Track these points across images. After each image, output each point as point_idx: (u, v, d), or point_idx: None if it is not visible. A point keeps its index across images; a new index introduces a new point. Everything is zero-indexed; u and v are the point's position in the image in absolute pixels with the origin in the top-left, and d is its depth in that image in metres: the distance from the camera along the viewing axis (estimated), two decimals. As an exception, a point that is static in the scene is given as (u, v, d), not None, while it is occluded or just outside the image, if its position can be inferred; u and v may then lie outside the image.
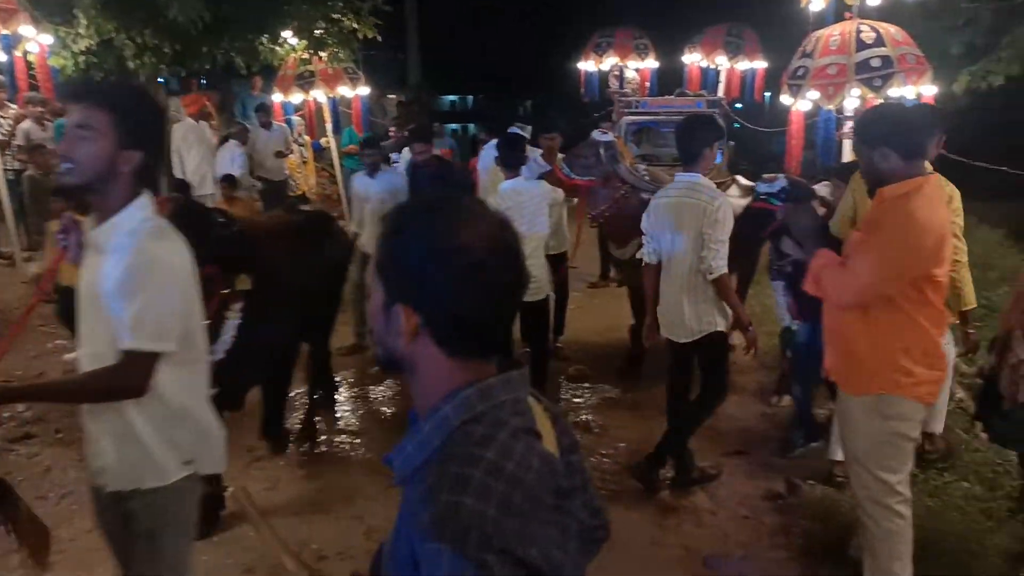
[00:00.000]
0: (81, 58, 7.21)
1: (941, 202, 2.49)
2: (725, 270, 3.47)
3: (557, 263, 5.74)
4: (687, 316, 3.61)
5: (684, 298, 3.59)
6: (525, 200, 4.53)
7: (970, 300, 3.40)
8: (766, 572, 3.20)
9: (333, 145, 9.04)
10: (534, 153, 6.15)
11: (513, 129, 6.33)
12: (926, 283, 2.42)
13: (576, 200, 5.59)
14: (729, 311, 3.63)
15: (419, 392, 1.07)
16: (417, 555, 0.93)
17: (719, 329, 3.61)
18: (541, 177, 5.03)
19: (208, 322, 2.84)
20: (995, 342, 3.01)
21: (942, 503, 3.30)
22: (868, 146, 2.48)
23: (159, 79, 8.83)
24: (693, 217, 3.46)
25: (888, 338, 2.47)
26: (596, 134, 5.25)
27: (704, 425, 3.93)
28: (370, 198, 5.66)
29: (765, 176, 4.64)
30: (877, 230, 2.46)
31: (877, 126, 2.51)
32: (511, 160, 4.65)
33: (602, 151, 4.92)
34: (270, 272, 3.41)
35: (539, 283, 4.55)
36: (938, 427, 3.72)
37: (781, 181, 4.39)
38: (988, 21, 7.97)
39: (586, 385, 5.32)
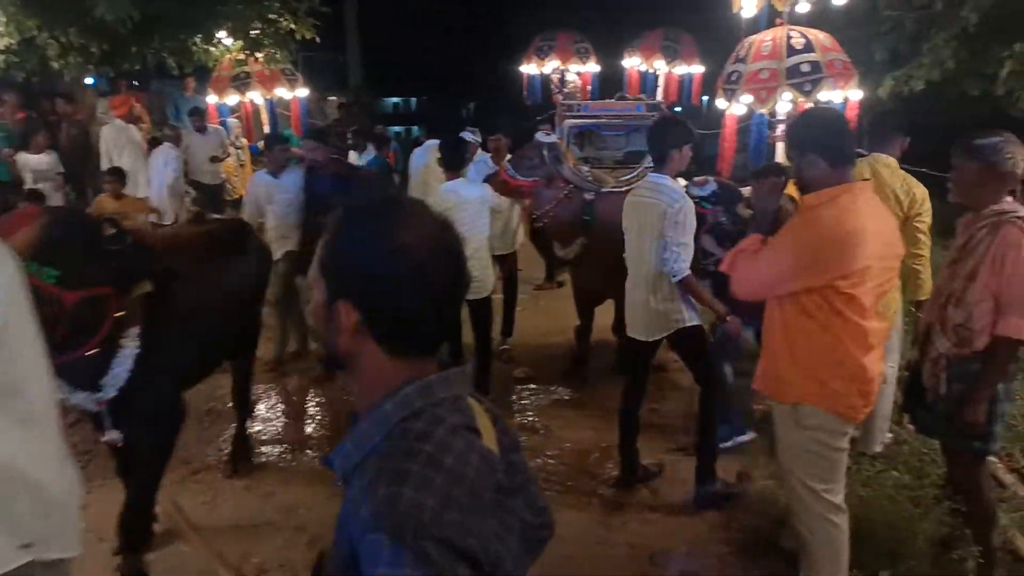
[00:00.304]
0: (0, 57, 6.88)
1: (860, 213, 2.39)
2: (687, 272, 3.49)
3: (504, 263, 5.77)
4: (650, 315, 3.62)
5: (648, 297, 3.60)
6: (465, 202, 4.57)
7: (926, 290, 3.55)
8: (710, 567, 3.27)
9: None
10: (484, 156, 6.22)
11: (465, 133, 6.40)
12: (834, 295, 2.39)
13: (527, 202, 5.60)
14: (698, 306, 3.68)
15: (359, 390, 1.08)
16: (357, 551, 0.93)
17: (690, 324, 3.61)
18: (488, 179, 5.07)
19: (95, 352, 2.63)
20: (917, 336, 3.12)
21: (874, 492, 3.42)
22: (797, 152, 2.52)
23: (87, 80, 8.51)
24: (655, 217, 3.49)
25: (804, 348, 2.49)
26: (540, 136, 5.30)
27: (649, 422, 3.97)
28: (273, 200, 5.37)
29: (696, 180, 4.73)
30: (786, 230, 2.54)
31: (804, 132, 2.55)
32: (453, 162, 4.75)
33: (545, 152, 4.98)
34: (175, 290, 2.98)
35: (481, 283, 4.64)
36: (874, 447, 3.84)
37: (712, 185, 4.48)
38: (910, 29, 8.32)
39: (532, 386, 5.34)
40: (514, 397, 5.18)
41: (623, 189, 5.16)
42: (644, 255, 3.60)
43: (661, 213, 3.46)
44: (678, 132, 3.58)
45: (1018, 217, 2.68)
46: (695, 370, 3.81)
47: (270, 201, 5.34)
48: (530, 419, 4.81)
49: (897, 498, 3.36)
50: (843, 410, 2.51)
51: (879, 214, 2.51)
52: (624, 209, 3.80)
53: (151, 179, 7.62)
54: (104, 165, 7.67)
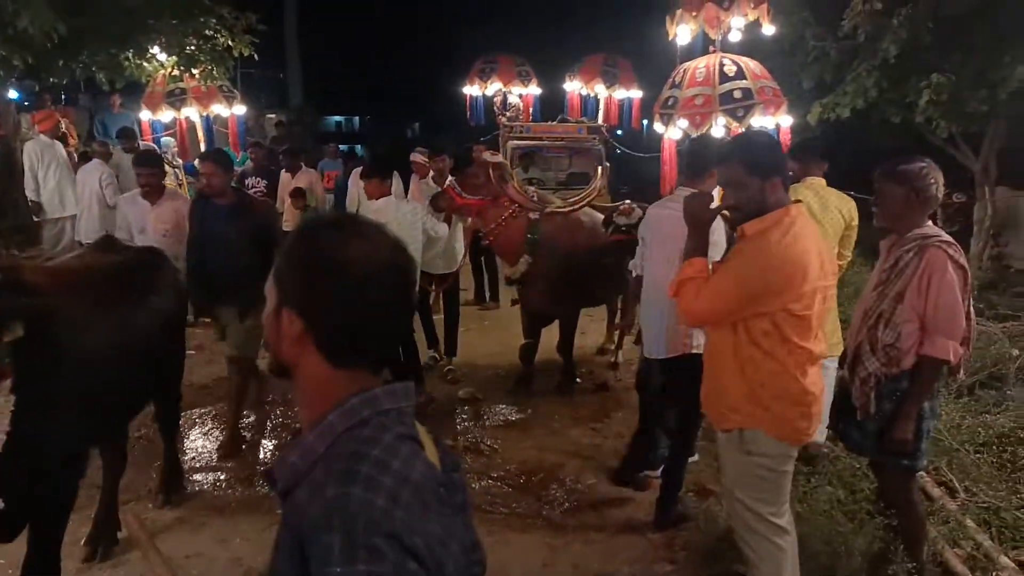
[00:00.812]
0: (-86, 69, 6.54)
1: (803, 235, 2.43)
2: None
3: (445, 282, 5.76)
4: (668, 334, 3.54)
5: (666, 313, 3.46)
6: (391, 219, 4.58)
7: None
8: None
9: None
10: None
11: (413, 154, 6.70)
12: (785, 318, 2.40)
13: (469, 219, 5.64)
14: None
15: (303, 400, 1.09)
16: (306, 555, 0.93)
17: (696, 351, 3.35)
18: (434, 197, 5.22)
19: None
20: (844, 357, 3.20)
21: (810, 508, 3.50)
22: (764, 176, 2.45)
23: (10, 94, 8.15)
24: (682, 233, 3.19)
25: (747, 373, 2.48)
26: (486, 156, 5.43)
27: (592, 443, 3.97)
28: (147, 228, 4.97)
29: (622, 207, 4.87)
30: (734, 257, 2.52)
31: (751, 154, 2.47)
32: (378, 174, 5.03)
33: (491, 172, 5.05)
34: (60, 334, 2.55)
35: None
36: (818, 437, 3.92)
37: (638, 212, 4.58)
38: (834, 59, 8.72)
39: (477, 407, 5.30)
40: (459, 417, 5.14)
41: (567, 209, 5.25)
42: (664, 269, 3.33)
43: None
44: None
45: (942, 241, 2.80)
46: (686, 396, 3.34)
47: (142, 229, 5.07)
48: (474, 440, 4.76)
49: (832, 513, 3.45)
50: (788, 434, 2.53)
51: (816, 235, 2.55)
52: (646, 220, 3.79)
53: (80, 196, 7.31)
54: (28, 183, 7.34)
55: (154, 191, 5.01)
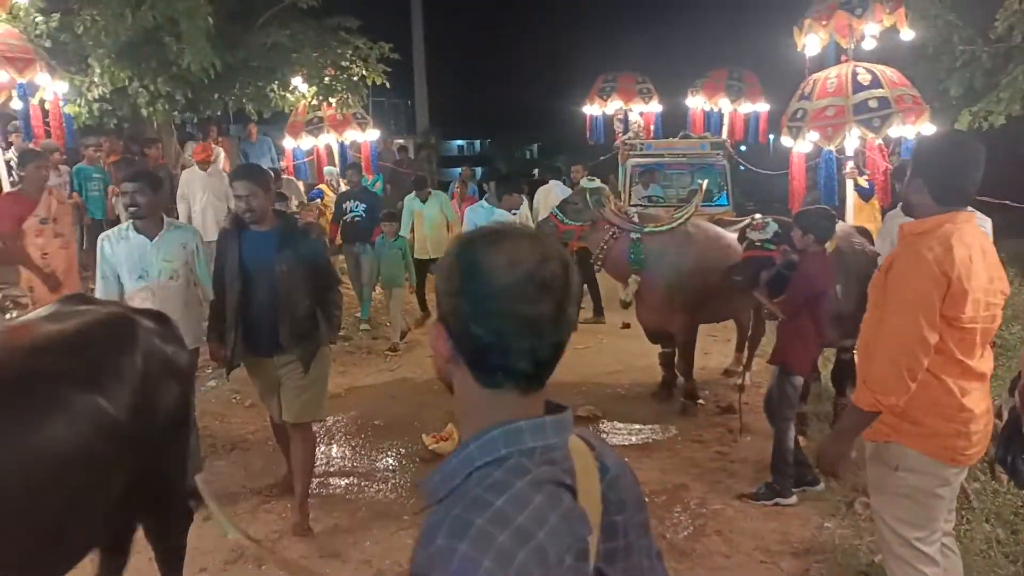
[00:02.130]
0: (95, 105, 7.38)
1: (964, 243, 2.24)
2: None
3: None
4: None
5: None
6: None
7: None
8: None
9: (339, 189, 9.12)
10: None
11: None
12: (944, 328, 2.24)
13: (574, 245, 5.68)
14: None
15: (462, 421, 1.05)
16: None
17: None
18: (539, 224, 5.61)
19: None
20: (1015, 382, 2.91)
21: (964, 547, 3.22)
22: (912, 173, 2.38)
23: (175, 124, 9.00)
24: None
25: None
26: (584, 182, 5.55)
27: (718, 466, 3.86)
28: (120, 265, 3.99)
29: (754, 223, 4.70)
30: (896, 282, 2.30)
31: (916, 154, 2.49)
32: (501, 191, 5.74)
33: (588, 197, 5.19)
34: None
35: None
36: None
37: (772, 226, 4.42)
38: (986, 63, 8.09)
39: (597, 426, 5.27)
40: (578, 436, 5.11)
41: (665, 228, 5.19)
42: None
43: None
44: None
45: None
46: None
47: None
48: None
49: (990, 553, 3.16)
50: (941, 452, 2.32)
51: (985, 247, 2.33)
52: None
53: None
54: (181, 210, 7.92)
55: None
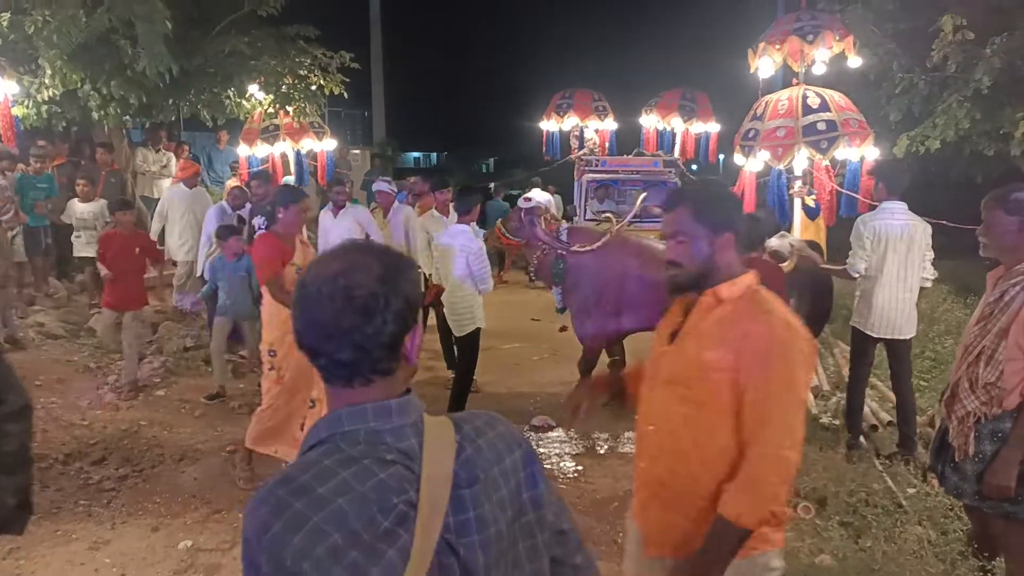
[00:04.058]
0: (44, 107, 7.19)
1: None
2: None
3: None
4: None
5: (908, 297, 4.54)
6: (447, 247, 5.34)
7: None
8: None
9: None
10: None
11: (380, 184, 7.24)
12: None
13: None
14: None
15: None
16: None
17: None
18: (486, 236, 5.84)
19: None
20: (944, 395, 3.03)
21: (898, 548, 3.38)
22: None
23: (126, 129, 8.82)
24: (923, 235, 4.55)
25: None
26: (520, 201, 5.94)
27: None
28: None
29: None
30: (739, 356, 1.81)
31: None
32: (462, 207, 5.55)
33: (523, 216, 5.66)
34: None
35: (459, 319, 5.28)
36: None
37: None
38: (923, 90, 8.50)
39: (550, 435, 5.34)
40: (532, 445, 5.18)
41: (588, 249, 5.59)
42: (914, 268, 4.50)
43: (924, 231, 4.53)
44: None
45: None
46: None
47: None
48: (548, 468, 4.79)
49: (922, 554, 3.32)
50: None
51: None
52: (892, 229, 4.49)
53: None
54: (155, 228, 7.62)
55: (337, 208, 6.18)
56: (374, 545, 1.00)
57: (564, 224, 6.00)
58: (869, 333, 4.61)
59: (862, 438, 4.75)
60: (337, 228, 6.57)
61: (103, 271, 5.95)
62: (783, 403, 1.76)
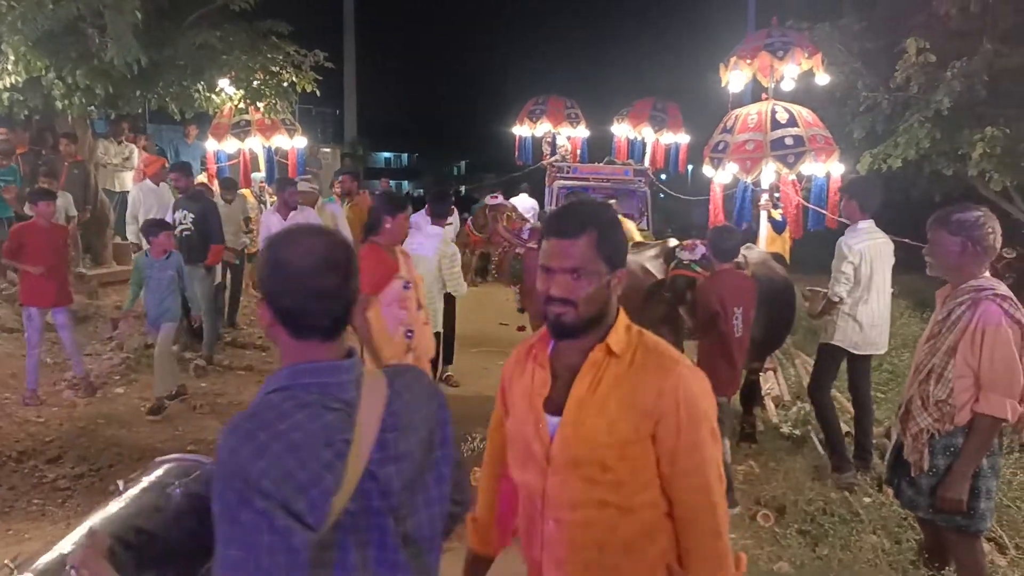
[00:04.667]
0: (6, 95, 7.00)
1: None
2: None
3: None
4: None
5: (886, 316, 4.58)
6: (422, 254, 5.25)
7: None
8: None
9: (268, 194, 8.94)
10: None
11: (301, 184, 7.03)
12: None
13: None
14: None
15: (281, 362, 1.40)
16: None
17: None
18: (459, 232, 6.10)
19: None
20: (899, 411, 3.07)
21: (853, 556, 3.46)
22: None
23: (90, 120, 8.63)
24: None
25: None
26: (487, 199, 6.15)
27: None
28: None
29: (685, 244, 4.92)
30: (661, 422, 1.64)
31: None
32: (439, 210, 5.53)
33: (488, 213, 5.89)
34: None
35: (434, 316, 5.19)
36: None
37: (700, 248, 4.64)
38: (886, 110, 8.73)
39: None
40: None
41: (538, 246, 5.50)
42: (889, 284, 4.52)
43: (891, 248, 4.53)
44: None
45: (997, 294, 2.69)
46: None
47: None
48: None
49: (876, 562, 3.40)
50: None
51: None
52: (869, 251, 4.41)
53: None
54: (129, 225, 7.41)
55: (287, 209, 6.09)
56: (317, 471, 1.25)
57: (528, 224, 6.07)
58: (851, 351, 4.49)
59: (820, 447, 4.81)
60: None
61: (31, 268, 5.46)
62: (715, 462, 1.60)
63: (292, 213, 6.42)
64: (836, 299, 4.38)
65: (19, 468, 4.52)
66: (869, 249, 4.38)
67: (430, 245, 5.26)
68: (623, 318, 1.65)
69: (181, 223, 6.42)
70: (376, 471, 1.33)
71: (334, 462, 1.27)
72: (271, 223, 6.40)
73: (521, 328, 6.26)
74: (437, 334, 5.34)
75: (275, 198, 7.42)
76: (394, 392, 1.41)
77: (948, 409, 2.75)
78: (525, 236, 5.78)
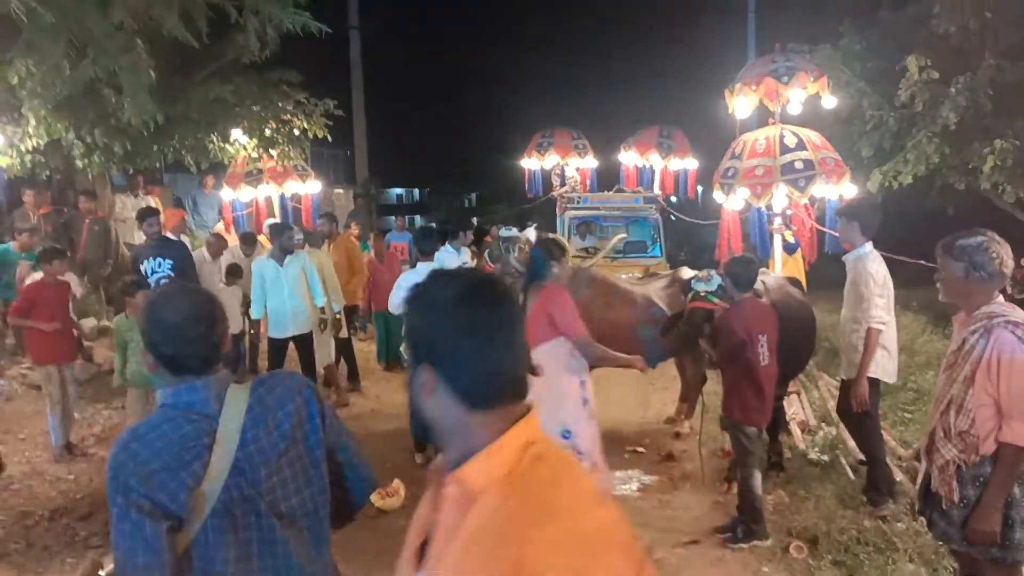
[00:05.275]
0: (28, 157, 7.18)
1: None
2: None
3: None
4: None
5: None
6: None
7: None
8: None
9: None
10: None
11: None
12: None
13: None
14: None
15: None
16: None
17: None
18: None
19: None
20: (924, 443, 2.98)
21: (890, 585, 3.42)
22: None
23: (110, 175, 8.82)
24: None
25: None
26: (503, 231, 6.27)
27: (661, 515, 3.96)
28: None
29: (699, 275, 4.91)
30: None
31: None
32: (426, 247, 5.82)
33: (500, 244, 6.10)
34: None
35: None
36: None
37: (716, 279, 4.64)
38: (892, 127, 8.76)
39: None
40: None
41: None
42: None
43: None
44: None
45: (1009, 321, 2.65)
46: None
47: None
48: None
49: (914, 591, 3.35)
50: None
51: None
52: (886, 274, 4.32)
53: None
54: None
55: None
56: (176, 469, 1.57)
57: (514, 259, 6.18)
58: (886, 380, 4.42)
59: (850, 472, 4.77)
60: (286, 275, 6.15)
61: (45, 326, 5.38)
62: None
63: (289, 258, 6.23)
64: (880, 325, 4.22)
65: (52, 527, 4.55)
66: (886, 271, 4.35)
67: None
68: (521, 433, 1.12)
69: (157, 271, 6.22)
70: (242, 465, 1.62)
71: (192, 462, 1.59)
72: (265, 270, 6.22)
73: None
74: None
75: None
76: (255, 398, 1.70)
77: (972, 440, 2.70)
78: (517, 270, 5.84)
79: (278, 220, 8.72)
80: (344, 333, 7.13)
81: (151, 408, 5.09)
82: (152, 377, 5.02)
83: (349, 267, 7.76)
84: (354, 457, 1.84)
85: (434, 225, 7.86)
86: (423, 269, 5.49)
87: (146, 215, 6.64)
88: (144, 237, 9.18)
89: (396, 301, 5.50)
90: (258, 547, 1.62)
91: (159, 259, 6.29)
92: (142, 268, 6.27)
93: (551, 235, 5.89)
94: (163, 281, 6.17)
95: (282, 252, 6.24)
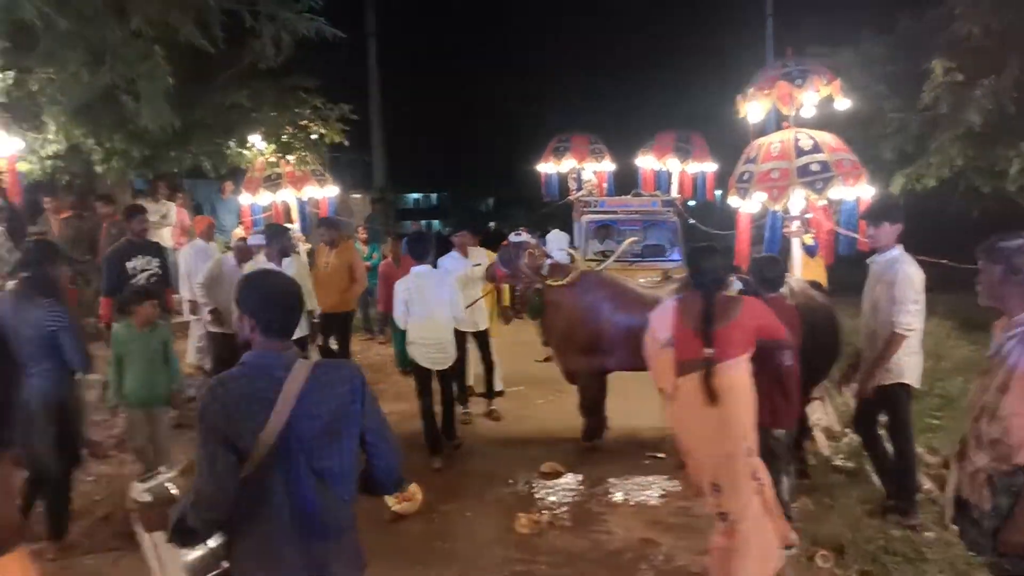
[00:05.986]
0: (48, 163, 7.26)
1: None
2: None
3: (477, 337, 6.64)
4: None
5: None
6: (424, 284, 5.52)
7: None
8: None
9: (302, 248, 9.06)
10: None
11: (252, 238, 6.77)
12: None
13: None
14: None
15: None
16: None
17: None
18: (489, 268, 6.26)
19: None
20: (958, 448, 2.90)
21: (919, 596, 3.32)
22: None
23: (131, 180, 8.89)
24: None
25: None
26: (512, 236, 6.23)
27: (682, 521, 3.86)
28: None
29: None
30: None
31: None
32: (417, 252, 5.68)
33: (512, 250, 6.02)
34: None
35: (446, 354, 5.55)
36: None
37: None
38: (915, 130, 8.64)
39: (559, 482, 5.27)
40: (540, 492, 5.10)
41: (560, 283, 5.83)
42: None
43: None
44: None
45: None
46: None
47: None
48: (558, 515, 4.71)
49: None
50: None
51: None
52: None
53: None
54: (184, 287, 7.19)
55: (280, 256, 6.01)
56: (248, 414, 2.02)
57: (548, 259, 6.10)
58: (916, 385, 4.36)
59: (876, 479, 4.65)
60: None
61: None
62: None
63: (286, 261, 6.13)
64: (908, 331, 4.14)
65: (72, 528, 4.54)
66: (923, 277, 4.25)
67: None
68: None
69: (146, 268, 6.10)
70: (293, 424, 2.04)
71: (259, 411, 2.03)
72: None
73: (547, 359, 6.49)
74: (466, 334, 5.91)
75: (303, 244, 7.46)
76: (314, 376, 2.11)
77: (1004, 449, 2.60)
78: (545, 272, 5.90)
79: (296, 224, 8.73)
80: (320, 340, 7.35)
81: (155, 430, 4.81)
82: (154, 395, 4.78)
83: (349, 274, 7.68)
84: (382, 442, 2.21)
85: (424, 231, 7.73)
86: (417, 273, 5.55)
87: (134, 212, 6.48)
88: (165, 240, 9.31)
89: (398, 313, 5.58)
90: (293, 489, 2.05)
91: (148, 257, 6.22)
92: (128, 266, 6.08)
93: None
94: (154, 279, 6.10)
95: (281, 254, 6.13)
